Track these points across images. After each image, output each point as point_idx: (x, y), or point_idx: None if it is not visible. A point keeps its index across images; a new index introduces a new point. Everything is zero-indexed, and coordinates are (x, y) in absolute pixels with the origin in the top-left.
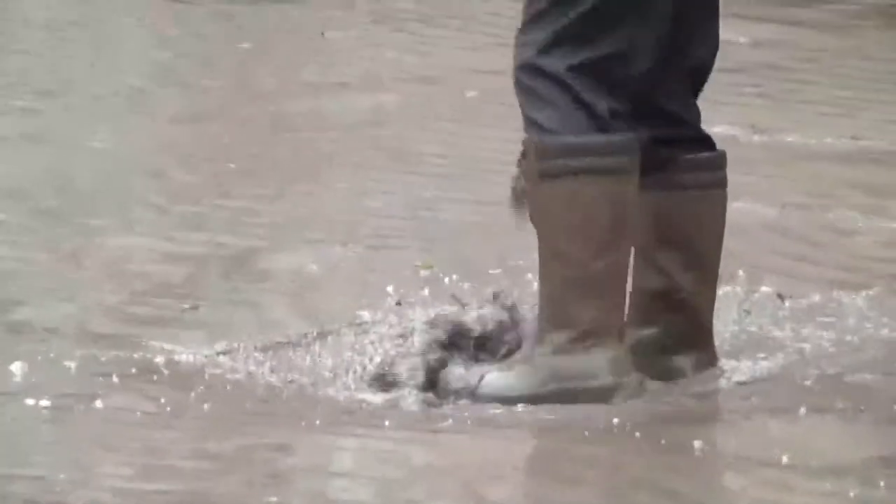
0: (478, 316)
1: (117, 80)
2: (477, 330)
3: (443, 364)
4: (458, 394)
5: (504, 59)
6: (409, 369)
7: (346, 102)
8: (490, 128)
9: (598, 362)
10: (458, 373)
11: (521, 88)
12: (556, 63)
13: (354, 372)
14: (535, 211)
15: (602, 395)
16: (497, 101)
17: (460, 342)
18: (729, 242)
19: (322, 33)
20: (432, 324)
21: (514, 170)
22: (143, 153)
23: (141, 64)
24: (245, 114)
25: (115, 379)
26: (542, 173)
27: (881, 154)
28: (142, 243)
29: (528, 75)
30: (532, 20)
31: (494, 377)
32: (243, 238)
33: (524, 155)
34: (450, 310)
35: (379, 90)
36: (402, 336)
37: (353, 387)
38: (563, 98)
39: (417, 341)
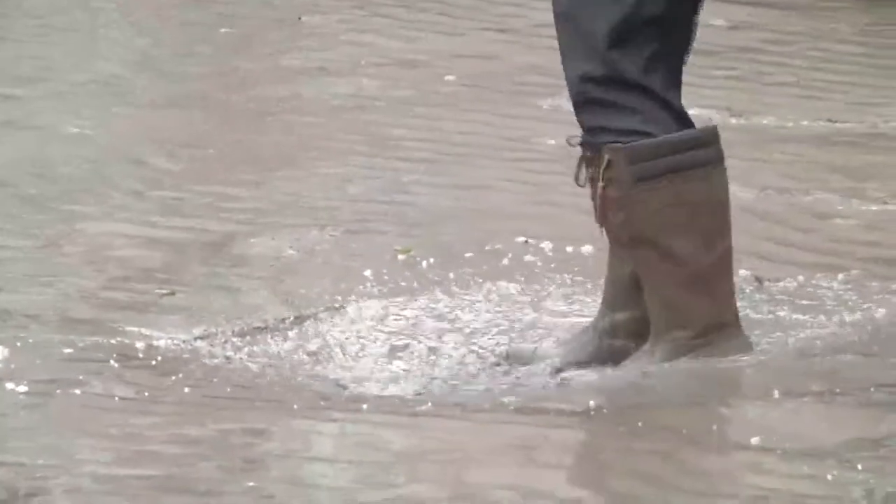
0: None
1: (98, 68)
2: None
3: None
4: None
5: (485, 44)
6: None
7: (326, 87)
8: (471, 112)
9: (722, 352)
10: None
11: (591, 101)
12: (628, 67)
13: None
14: (634, 216)
15: None
16: (478, 86)
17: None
18: None
19: (299, 17)
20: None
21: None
22: (123, 140)
23: (121, 51)
24: (226, 99)
25: (94, 364)
26: (637, 177)
27: (858, 136)
28: (121, 229)
29: (599, 87)
30: (576, 31)
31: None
32: (222, 223)
33: (588, 163)
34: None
35: (360, 75)
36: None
37: (346, 369)
38: (644, 102)
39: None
